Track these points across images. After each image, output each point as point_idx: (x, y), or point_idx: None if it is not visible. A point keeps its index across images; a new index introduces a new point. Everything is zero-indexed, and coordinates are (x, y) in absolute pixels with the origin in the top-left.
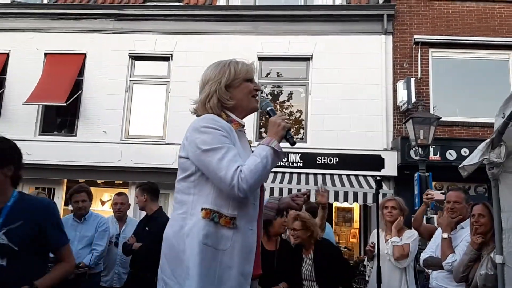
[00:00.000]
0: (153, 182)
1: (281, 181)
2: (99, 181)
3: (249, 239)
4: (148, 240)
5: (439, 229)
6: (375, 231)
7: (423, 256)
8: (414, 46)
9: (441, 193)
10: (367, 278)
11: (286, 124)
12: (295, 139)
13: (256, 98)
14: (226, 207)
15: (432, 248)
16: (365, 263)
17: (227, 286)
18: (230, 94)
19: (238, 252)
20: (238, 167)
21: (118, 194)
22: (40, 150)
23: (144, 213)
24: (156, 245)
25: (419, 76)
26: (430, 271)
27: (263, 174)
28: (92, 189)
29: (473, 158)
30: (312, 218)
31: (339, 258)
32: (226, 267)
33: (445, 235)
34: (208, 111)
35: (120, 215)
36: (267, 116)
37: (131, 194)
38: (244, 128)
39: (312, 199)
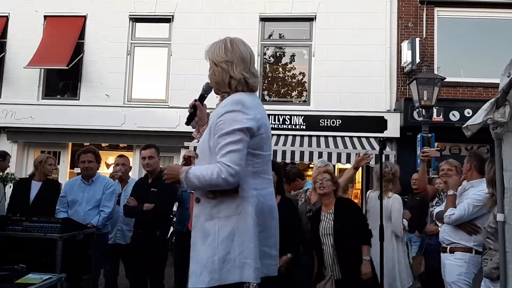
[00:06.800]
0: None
1: (284, 143)
2: (103, 145)
3: None
4: (160, 200)
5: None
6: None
7: (436, 210)
8: (419, 5)
9: (436, 150)
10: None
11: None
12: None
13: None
14: None
15: None
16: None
17: None
18: None
19: None
20: None
21: (120, 156)
22: (43, 114)
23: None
24: (169, 204)
25: (424, 36)
26: (440, 224)
27: None
28: None
29: (477, 118)
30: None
31: (358, 215)
32: None
33: (450, 192)
34: None
35: (123, 177)
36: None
37: (136, 157)
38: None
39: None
